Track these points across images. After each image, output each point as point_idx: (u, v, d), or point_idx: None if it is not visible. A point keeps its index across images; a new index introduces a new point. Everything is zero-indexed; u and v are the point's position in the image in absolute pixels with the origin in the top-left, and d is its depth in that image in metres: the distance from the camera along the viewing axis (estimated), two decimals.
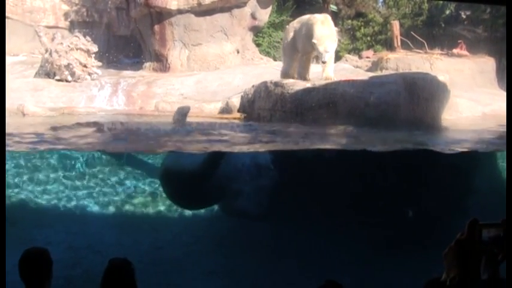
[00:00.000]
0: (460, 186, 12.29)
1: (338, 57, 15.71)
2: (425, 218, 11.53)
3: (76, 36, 15.66)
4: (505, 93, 14.55)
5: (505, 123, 10.73)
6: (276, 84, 12.12)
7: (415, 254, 10.65)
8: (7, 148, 8.98)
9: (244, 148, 10.91)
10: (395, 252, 11.21)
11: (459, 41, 16.51)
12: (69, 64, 14.66)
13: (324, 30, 11.78)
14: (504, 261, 2.12)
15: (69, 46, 15.05)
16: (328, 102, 11.41)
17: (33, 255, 3.93)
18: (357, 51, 17.44)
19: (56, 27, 18.46)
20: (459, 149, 10.75)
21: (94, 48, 15.43)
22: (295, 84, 11.79)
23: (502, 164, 14.80)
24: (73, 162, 15.60)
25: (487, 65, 15.98)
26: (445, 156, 11.14)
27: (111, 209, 14.81)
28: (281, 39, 18.50)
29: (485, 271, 2.09)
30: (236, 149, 10.84)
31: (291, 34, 12.88)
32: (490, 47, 16.45)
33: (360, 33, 18.30)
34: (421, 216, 11.57)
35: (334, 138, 11.15)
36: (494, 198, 11.43)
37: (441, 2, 18.56)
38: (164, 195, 14.06)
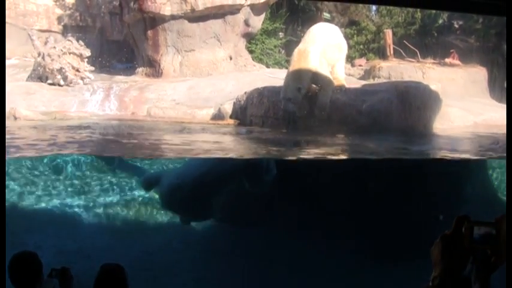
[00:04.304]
0: (451, 195, 12.31)
1: None
2: (414, 227, 11.53)
3: (69, 40, 15.62)
4: (496, 103, 14.63)
5: (496, 133, 10.81)
6: (269, 91, 12.13)
7: (403, 263, 10.66)
8: None
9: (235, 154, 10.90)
10: (383, 262, 11.21)
11: (451, 51, 16.59)
12: (61, 68, 14.62)
13: None
14: (498, 267, 1.99)
15: (62, 50, 15.01)
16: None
17: (23, 259, 3.91)
18: (349, 59, 17.46)
19: (49, 31, 18.43)
20: (450, 157, 10.78)
21: (87, 52, 15.39)
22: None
23: (493, 173, 14.87)
24: (64, 166, 15.55)
25: (479, 74, 16.07)
26: (436, 164, 11.17)
27: (102, 213, 14.76)
28: (274, 46, 18.54)
29: (476, 280, 2.00)
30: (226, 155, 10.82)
31: None
32: (482, 57, 16.53)
33: (352, 41, 18.33)
34: (411, 225, 11.56)
35: (325, 145, 11.15)
36: (484, 207, 11.51)
37: (434, 11, 18.64)
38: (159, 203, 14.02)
